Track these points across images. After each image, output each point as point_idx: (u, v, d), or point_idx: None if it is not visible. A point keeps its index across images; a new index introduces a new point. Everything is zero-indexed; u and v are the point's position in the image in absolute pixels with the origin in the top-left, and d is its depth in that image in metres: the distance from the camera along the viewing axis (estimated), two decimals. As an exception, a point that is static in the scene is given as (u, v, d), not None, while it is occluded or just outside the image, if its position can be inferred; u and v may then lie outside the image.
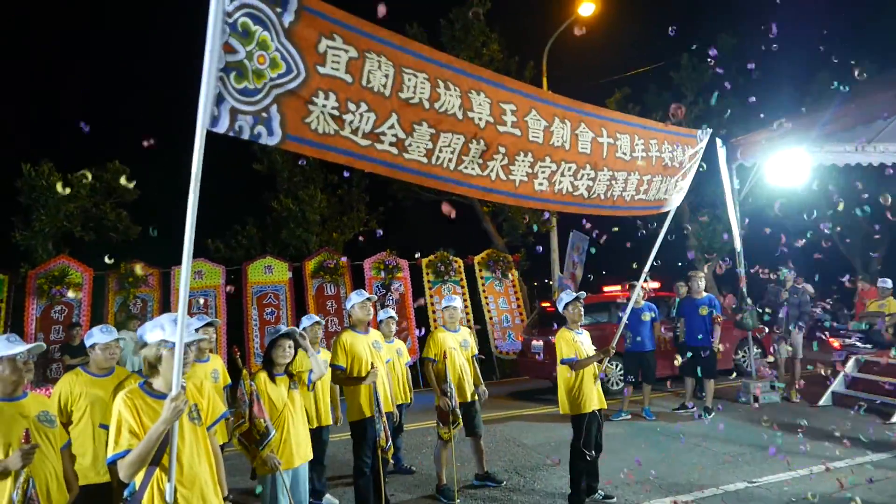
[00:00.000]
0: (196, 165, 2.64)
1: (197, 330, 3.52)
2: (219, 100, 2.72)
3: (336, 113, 3.05)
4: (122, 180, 12.51)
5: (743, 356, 10.28)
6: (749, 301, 8.88)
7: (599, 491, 5.09)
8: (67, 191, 11.18)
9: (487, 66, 13.79)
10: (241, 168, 14.52)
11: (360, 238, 14.14)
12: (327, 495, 5.42)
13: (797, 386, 8.63)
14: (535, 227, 14.01)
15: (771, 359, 9.16)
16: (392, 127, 3.27)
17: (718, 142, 9.02)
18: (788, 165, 8.98)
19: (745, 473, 5.51)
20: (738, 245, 9.12)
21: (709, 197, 15.30)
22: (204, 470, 2.71)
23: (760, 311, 8.97)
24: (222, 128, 2.75)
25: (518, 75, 14.44)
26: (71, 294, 10.85)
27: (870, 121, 7.79)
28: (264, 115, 2.84)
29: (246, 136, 2.81)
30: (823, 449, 6.14)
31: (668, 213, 5.26)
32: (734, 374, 9.63)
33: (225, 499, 2.86)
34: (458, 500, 5.08)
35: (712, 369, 8.08)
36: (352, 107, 3.10)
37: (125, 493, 2.59)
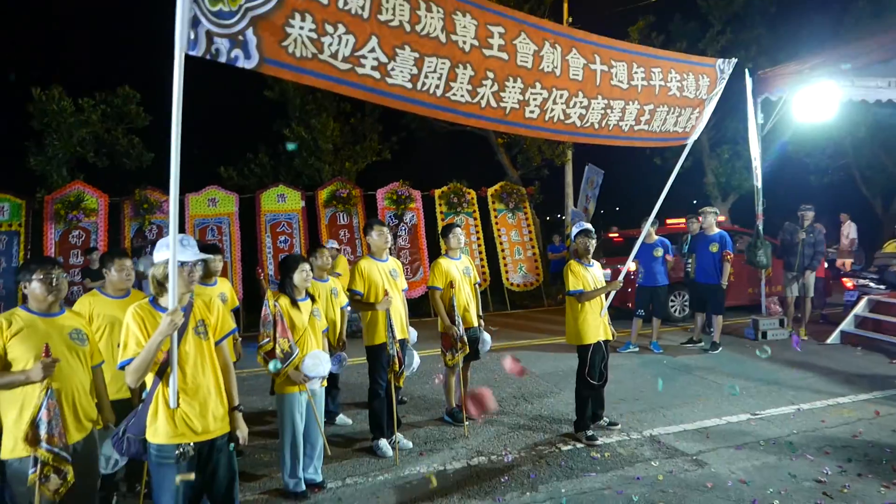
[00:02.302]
0: (177, 89, 2.66)
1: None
2: (195, 22, 2.72)
3: (314, 35, 3.02)
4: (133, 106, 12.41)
5: None
6: (764, 239, 8.81)
7: (605, 418, 5.24)
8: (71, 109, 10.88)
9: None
10: (253, 95, 14.30)
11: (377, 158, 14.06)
12: (341, 415, 5.63)
13: (806, 324, 8.69)
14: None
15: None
16: (373, 50, 3.22)
17: (746, 74, 8.70)
18: (816, 100, 8.65)
19: (749, 406, 5.62)
20: (757, 182, 8.95)
21: (731, 132, 14.91)
22: (208, 381, 2.88)
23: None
24: (199, 51, 2.76)
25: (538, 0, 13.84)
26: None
27: (905, 54, 7.43)
28: (240, 38, 2.84)
29: (223, 59, 2.82)
30: (828, 385, 6.24)
31: (684, 146, 5.14)
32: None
33: (235, 408, 3.03)
34: (466, 423, 5.25)
35: (720, 305, 8.12)
36: (329, 29, 3.06)
37: (143, 395, 2.83)
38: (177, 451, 2.72)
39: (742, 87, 8.72)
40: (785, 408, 5.55)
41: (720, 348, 7.94)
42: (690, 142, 5.21)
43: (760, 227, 8.92)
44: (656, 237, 8.19)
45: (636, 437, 4.98)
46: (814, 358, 7.40)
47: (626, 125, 4.57)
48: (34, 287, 2.92)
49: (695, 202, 19.78)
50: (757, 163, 8.91)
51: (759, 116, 8.97)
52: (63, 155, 11.77)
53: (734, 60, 5.04)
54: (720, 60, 4.99)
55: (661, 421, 5.33)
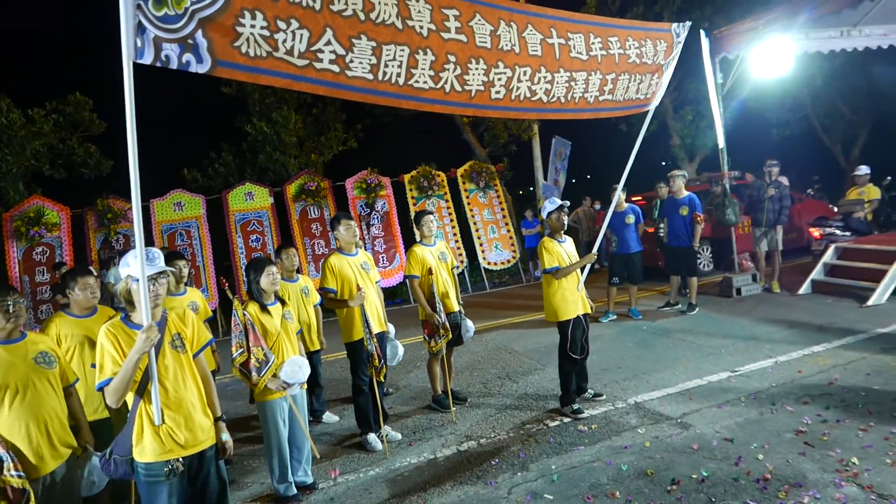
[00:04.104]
0: (129, 100, 2.59)
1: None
2: (140, 29, 2.64)
3: (266, 33, 2.95)
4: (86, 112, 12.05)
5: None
6: (731, 197, 8.94)
7: (589, 390, 5.29)
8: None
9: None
10: (210, 93, 13.96)
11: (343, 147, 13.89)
12: (327, 413, 5.60)
13: (777, 277, 8.87)
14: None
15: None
16: (329, 43, 3.15)
17: (702, 35, 8.73)
18: (773, 55, 8.73)
19: (728, 364, 5.73)
20: (720, 141, 9.04)
21: (692, 94, 15.01)
22: (191, 394, 2.83)
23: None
24: (148, 59, 2.68)
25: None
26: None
27: (856, 3, 7.51)
28: (190, 41, 2.75)
29: (174, 65, 2.74)
30: (803, 336, 6.38)
31: (646, 112, 5.14)
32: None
33: (218, 418, 2.99)
34: (453, 409, 5.26)
35: (694, 267, 8.26)
36: (282, 25, 2.98)
37: (128, 416, 2.76)
38: (166, 469, 2.67)
39: (700, 48, 8.75)
40: (763, 362, 5.67)
41: (697, 309, 8.07)
42: (652, 107, 5.22)
43: (727, 186, 9.04)
44: (626, 205, 8.24)
45: (621, 405, 5.04)
46: (788, 310, 7.56)
47: (591, 96, 4.56)
48: None
49: (664, 164, 19.98)
50: (719, 122, 8.99)
51: (717, 76, 9.03)
52: (17, 170, 11.38)
53: (688, 23, 5.04)
54: (675, 24, 4.97)
55: (645, 387, 5.40)
